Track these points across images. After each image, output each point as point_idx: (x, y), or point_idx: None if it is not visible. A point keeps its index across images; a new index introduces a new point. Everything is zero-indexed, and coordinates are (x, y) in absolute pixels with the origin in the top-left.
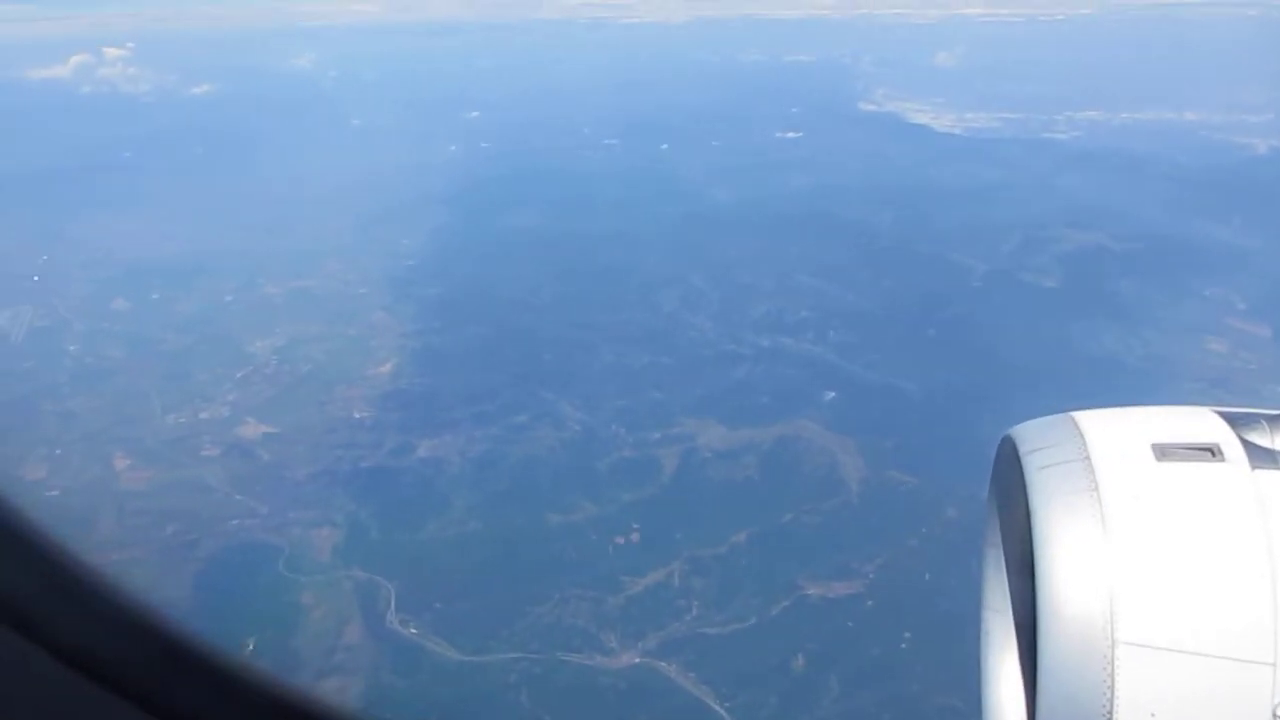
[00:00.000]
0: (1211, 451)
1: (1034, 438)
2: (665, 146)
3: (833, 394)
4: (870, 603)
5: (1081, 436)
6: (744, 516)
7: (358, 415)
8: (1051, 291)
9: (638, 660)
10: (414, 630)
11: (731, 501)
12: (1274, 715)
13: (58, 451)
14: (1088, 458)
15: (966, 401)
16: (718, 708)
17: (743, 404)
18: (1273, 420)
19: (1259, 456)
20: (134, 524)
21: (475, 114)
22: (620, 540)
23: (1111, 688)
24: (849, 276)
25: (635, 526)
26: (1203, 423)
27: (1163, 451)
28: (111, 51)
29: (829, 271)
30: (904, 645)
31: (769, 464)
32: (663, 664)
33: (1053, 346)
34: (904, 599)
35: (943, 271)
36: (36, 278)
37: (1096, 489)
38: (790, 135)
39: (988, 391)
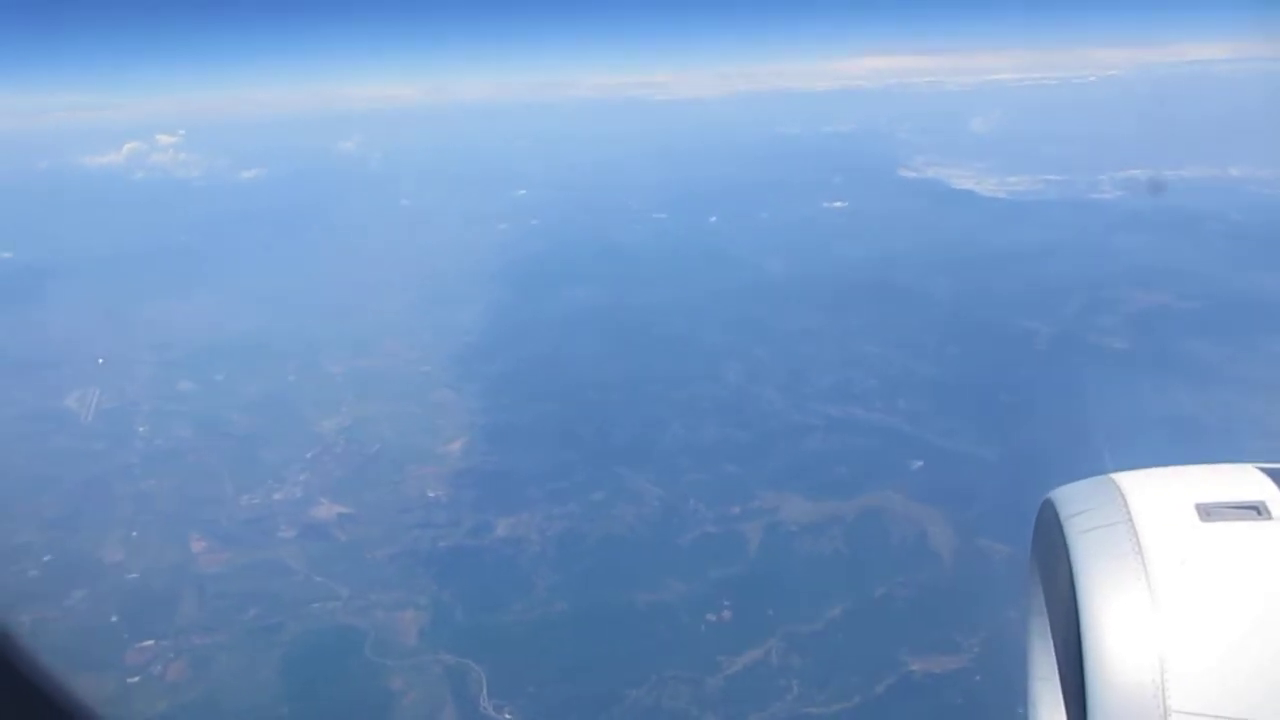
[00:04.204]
0: (1257, 510)
1: (1075, 501)
2: (714, 219)
3: (920, 464)
4: (978, 677)
5: (1123, 498)
6: (836, 591)
7: (431, 494)
8: (1121, 353)
9: None
10: (509, 717)
11: (821, 576)
12: None
13: (134, 534)
14: (1130, 520)
15: (1048, 466)
16: None
17: (821, 475)
18: None
19: None
20: (216, 607)
21: (522, 192)
22: (712, 618)
23: None
24: (912, 344)
25: (726, 604)
26: (1247, 480)
27: (1207, 511)
28: (163, 138)
29: (891, 339)
30: None
31: (856, 536)
32: None
33: (1129, 408)
34: (1012, 672)
35: (1006, 336)
36: (101, 360)
37: (1141, 552)
38: (837, 205)
39: (1068, 455)
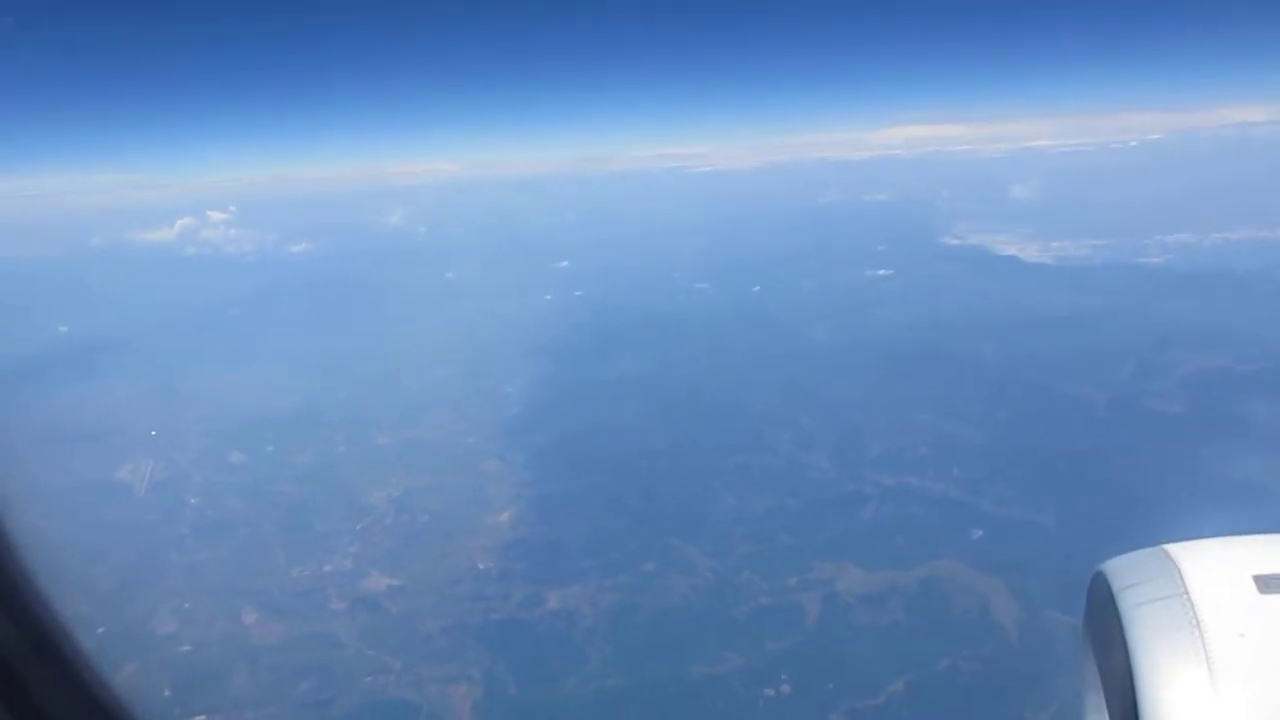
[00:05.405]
0: None
1: (1128, 573)
2: (757, 289)
3: (980, 533)
4: None
5: (1178, 570)
6: (897, 664)
7: (482, 566)
8: (1180, 417)
9: None
10: None
11: (882, 648)
12: None
13: (186, 605)
14: (1186, 592)
15: (1110, 534)
16: None
17: (878, 545)
18: None
19: None
20: (268, 680)
21: (565, 263)
22: (770, 693)
23: None
24: (963, 411)
25: (784, 677)
26: None
27: (1265, 583)
28: (214, 215)
29: (941, 407)
30: None
31: (916, 607)
32: None
33: (1191, 474)
34: None
35: (1059, 402)
36: (154, 432)
37: (1198, 625)
38: (881, 273)
39: (1130, 523)
